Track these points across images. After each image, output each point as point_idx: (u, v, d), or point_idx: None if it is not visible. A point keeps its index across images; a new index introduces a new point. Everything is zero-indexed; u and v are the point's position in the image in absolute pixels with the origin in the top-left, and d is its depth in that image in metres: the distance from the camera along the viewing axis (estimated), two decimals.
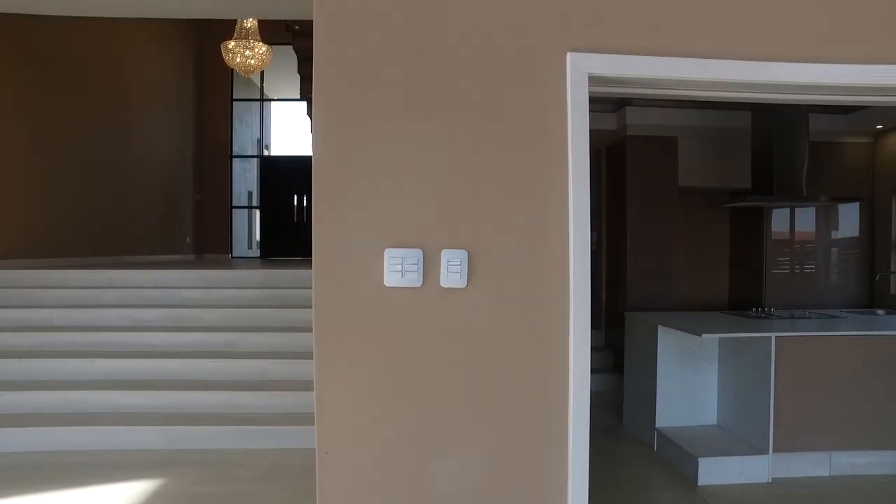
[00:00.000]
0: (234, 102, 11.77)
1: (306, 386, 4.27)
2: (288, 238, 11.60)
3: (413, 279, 1.82)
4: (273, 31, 9.01)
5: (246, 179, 12.94)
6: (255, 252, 13.57)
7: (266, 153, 13.41)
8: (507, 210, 1.86)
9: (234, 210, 11.82)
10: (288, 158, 12.09)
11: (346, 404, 1.83)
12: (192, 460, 3.65)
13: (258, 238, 14.32)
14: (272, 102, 13.14)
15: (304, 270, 5.83)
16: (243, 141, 12.45)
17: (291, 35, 5.94)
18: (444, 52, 1.84)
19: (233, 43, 8.69)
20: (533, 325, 1.86)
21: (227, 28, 11.56)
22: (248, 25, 8.73)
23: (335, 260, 1.83)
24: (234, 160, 11.77)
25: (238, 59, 8.72)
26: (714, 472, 3.38)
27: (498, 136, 1.86)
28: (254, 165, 13.55)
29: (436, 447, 1.84)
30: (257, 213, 13.80)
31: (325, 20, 1.82)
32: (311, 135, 7.70)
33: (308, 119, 7.10)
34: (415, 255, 1.82)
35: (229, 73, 11.62)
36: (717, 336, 3.61)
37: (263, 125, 12.03)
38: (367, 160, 1.83)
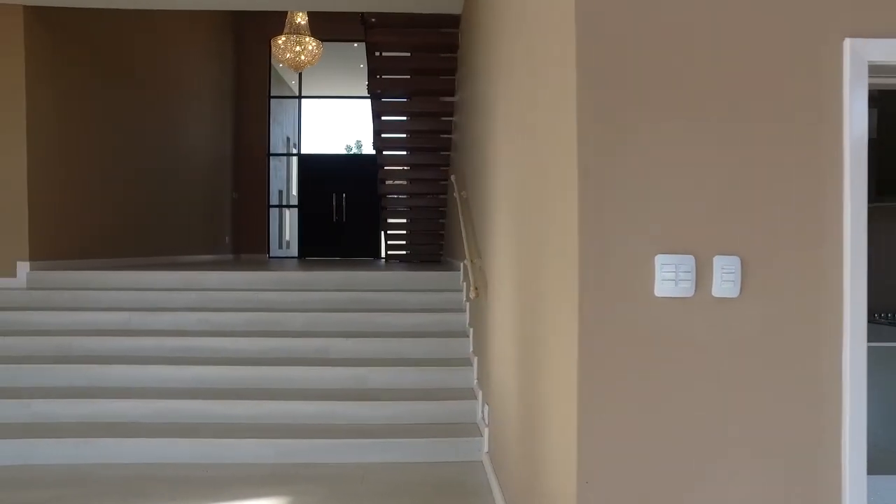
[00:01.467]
0: (269, 100, 11.58)
1: (407, 395, 4.07)
2: (327, 238, 11.41)
3: (686, 288, 1.61)
4: (322, 26, 8.83)
5: (277, 178, 12.75)
6: (288, 251, 13.36)
7: (295, 151, 13.21)
8: (778, 213, 1.65)
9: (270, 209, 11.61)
10: (327, 157, 11.89)
11: (611, 427, 1.61)
12: (308, 475, 3.43)
13: (287, 237, 14.17)
14: (301, 100, 12.91)
15: (380, 273, 5.62)
16: (273, 138, 12.24)
17: (364, 28, 5.74)
18: (708, 45, 1.64)
19: (283, 39, 8.51)
20: (806, 338, 1.65)
21: (266, 25, 11.44)
22: (299, 20, 8.54)
23: (601, 266, 1.61)
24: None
25: (288, 55, 8.57)
26: None
27: (766, 132, 1.66)
28: (283, 164, 13.36)
29: (705, 470, 1.63)
30: (287, 211, 13.64)
31: (586, 20, 1.62)
32: (372, 132, 7.50)
33: (374, 116, 6.87)
34: (688, 262, 1.62)
35: (267, 70, 11.45)
36: None
37: (301, 123, 11.80)
38: (635, 160, 1.62)
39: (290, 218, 14.20)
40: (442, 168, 7.67)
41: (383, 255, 11.54)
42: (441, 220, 8.81)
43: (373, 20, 5.59)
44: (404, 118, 6.92)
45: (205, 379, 4.21)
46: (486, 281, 3.65)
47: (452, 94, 6.55)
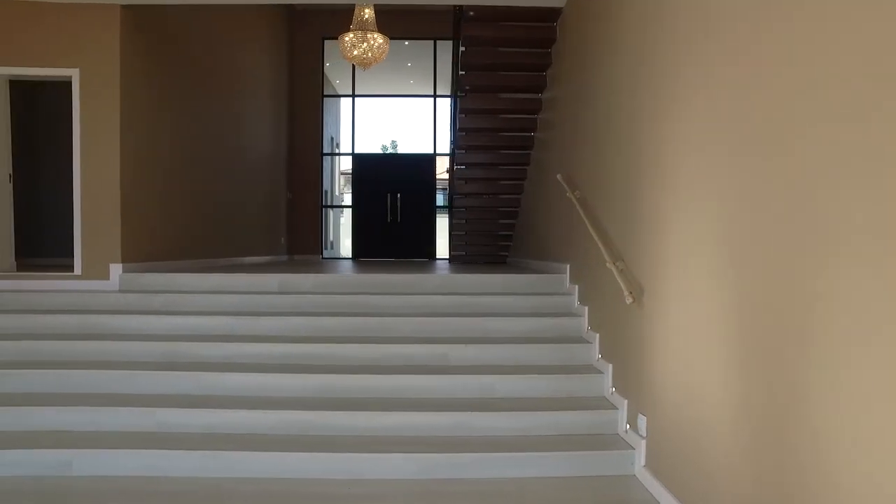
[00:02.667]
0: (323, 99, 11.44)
1: (539, 405, 3.86)
2: (381, 238, 11.24)
3: None
4: (392, 23, 8.64)
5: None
6: (332, 252, 13.17)
7: (342, 151, 13.04)
8: None
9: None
10: (381, 156, 11.72)
11: None
12: (459, 492, 3.23)
13: (331, 237, 14.00)
14: (341, 99, 12.70)
15: (478, 276, 5.42)
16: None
17: (458, 22, 5.56)
18: None
19: (350, 35, 8.32)
20: None
21: (318, 23, 11.31)
22: (366, 16, 8.35)
23: None
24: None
25: (356, 52, 8.36)
26: None
27: None
28: (327, 163, 13.20)
29: None
30: (331, 211, 13.48)
31: None
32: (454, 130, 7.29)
33: (459, 113, 6.67)
34: None
35: (320, 68, 11.31)
36: None
37: (354, 122, 11.62)
38: None
39: (334, 218, 14.04)
40: (515, 167, 7.45)
41: (439, 256, 11.37)
42: (502, 221, 8.59)
43: (471, 13, 5.38)
44: (487, 115, 6.71)
45: (324, 388, 4.02)
46: (641, 284, 3.43)
47: (539, 91, 6.33)
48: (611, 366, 3.98)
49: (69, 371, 4.13)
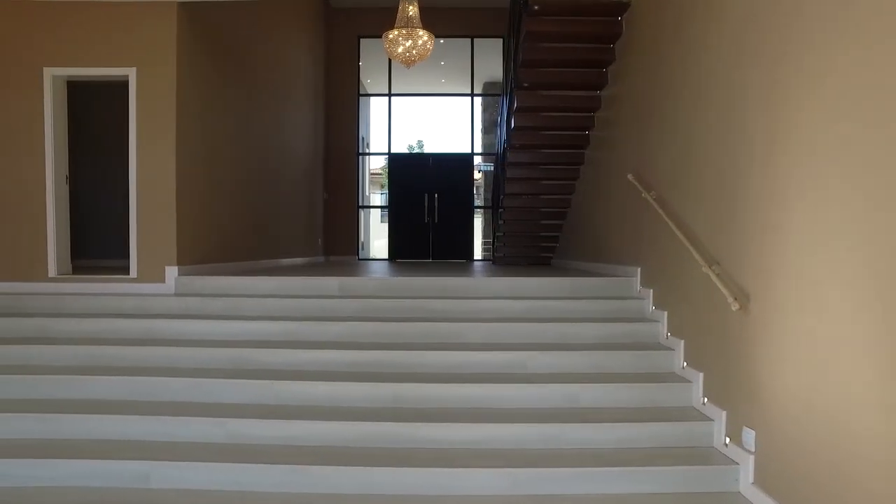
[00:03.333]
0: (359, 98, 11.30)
1: (628, 416, 3.68)
2: (418, 239, 11.09)
3: None
4: (427, 21, 8.48)
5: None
6: (363, 253, 13.01)
7: (365, 150, 12.89)
8: None
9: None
10: (418, 156, 11.57)
11: None
12: None
13: (362, 238, 13.87)
14: (371, 98, 12.53)
15: (541, 279, 5.24)
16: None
17: (517, 17, 5.39)
18: None
19: (395, 32, 8.17)
20: None
21: (354, 22, 11.17)
22: (411, 13, 8.20)
23: None
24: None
25: (400, 49, 8.20)
26: None
27: None
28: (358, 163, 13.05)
29: None
30: (361, 212, 13.34)
31: None
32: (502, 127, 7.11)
33: (509, 112, 6.50)
34: None
35: (356, 67, 11.18)
36: None
37: (391, 121, 11.47)
38: None
39: (364, 218, 13.90)
40: (565, 167, 7.26)
41: (475, 257, 11.20)
42: (545, 222, 8.40)
43: (535, 7, 5.20)
44: (542, 113, 6.52)
45: (399, 397, 3.86)
46: (745, 290, 3.23)
47: (597, 88, 6.14)
48: (701, 374, 3.78)
49: (135, 378, 4.00)
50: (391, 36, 8.24)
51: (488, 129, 15.12)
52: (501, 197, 8.02)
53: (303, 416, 3.64)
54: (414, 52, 8.26)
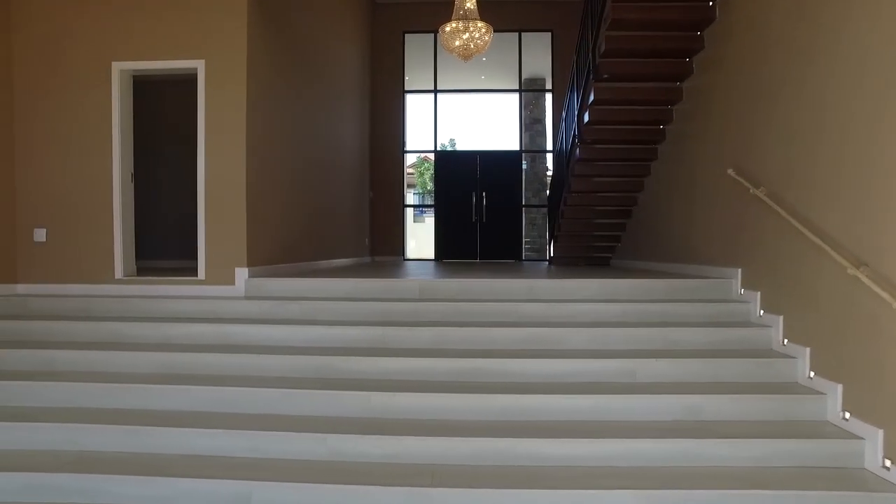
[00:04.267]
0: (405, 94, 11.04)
1: (761, 431, 3.36)
2: (465, 238, 10.80)
3: None
4: (482, 13, 8.20)
5: None
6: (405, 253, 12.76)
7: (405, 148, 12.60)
8: None
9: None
10: (465, 153, 11.27)
11: None
12: None
13: (407, 238, 13.61)
14: (406, 95, 12.23)
15: (636, 280, 4.93)
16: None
17: (598, 6, 5.10)
18: None
19: (452, 25, 7.90)
20: None
21: (399, 17, 10.91)
22: (468, 5, 7.92)
23: None
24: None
25: (457, 43, 7.94)
26: None
27: None
28: None
29: None
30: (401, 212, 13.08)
31: None
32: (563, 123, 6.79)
33: (579, 106, 6.19)
34: None
35: (401, 64, 10.93)
36: None
37: (437, 119, 11.19)
38: None
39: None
40: (633, 163, 6.94)
41: (524, 257, 10.90)
42: (605, 221, 8.08)
43: None
44: (618, 107, 6.20)
45: (505, 410, 3.56)
46: None
47: (679, 80, 5.81)
48: (839, 386, 3.45)
49: (218, 388, 3.75)
50: (448, 29, 7.97)
51: (529, 126, 14.82)
52: (564, 194, 7.71)
53: (406, 431, 3.37)
54: (472, 45, 8.00)
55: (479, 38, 7.93)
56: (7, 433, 3.47)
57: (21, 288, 5.12)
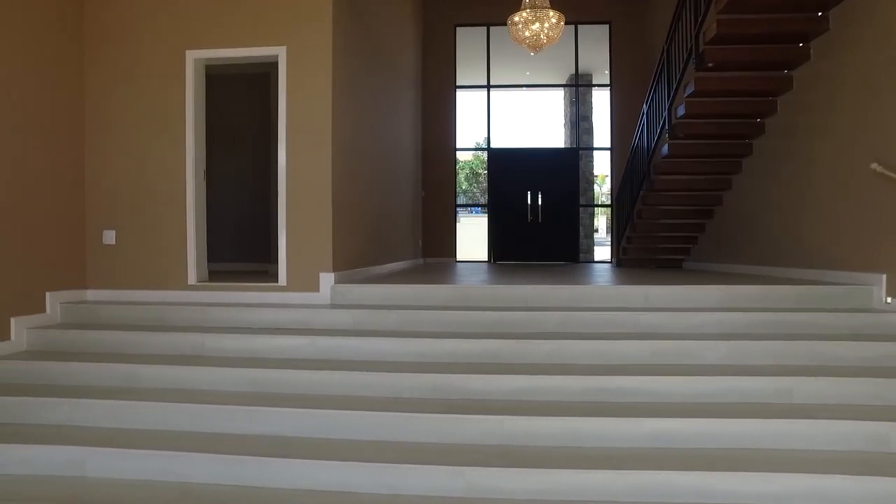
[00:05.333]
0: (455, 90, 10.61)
1: None
2: (520, 239, 10.35)
3: None
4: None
5: None
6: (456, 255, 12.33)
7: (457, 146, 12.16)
8: None
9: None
10: (520, 151, 10.82)
11: None
12: None
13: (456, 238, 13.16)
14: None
15: (756, 287, 4.47)
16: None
17: None
18: None
19: (522, 15, 7.46)
20: None
21: (450, 9, 10.48)
22: None
23: None
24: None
25: (527, 34, 7.50)
26: None
27: None
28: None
29: None
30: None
31: None
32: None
33: (669, 99, 5.73)
34: None
35: (453, 58, 10.51)
36: None
37: (490, 114, 10.75)
38: None
39: None
40: (726, 159, 6.46)
41: (582, 259, 10.44)
42: (682, 221, 7.60)
43: None
44: (718, 98, 5.73)
45: (657, 436, 3.12)
46: None
47: (790, 66, 5.33)
48: None
49: (322, 411, 3.33)
50: (517, 19, 7.54)
51: (575, 123, 14.32)
52: (643, 193, 7.25)
53: (548, 462, 2.94)
54: (542, 35, 7.57)
55: (550, 29, 7.50)
56: (96, 459, 3.09)
57: (90, 294, 4.77)
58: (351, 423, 3.28)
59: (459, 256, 10.64)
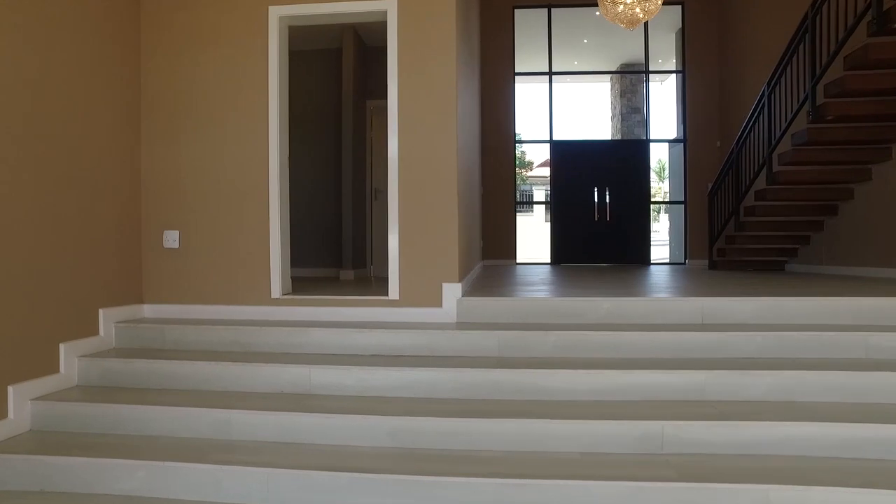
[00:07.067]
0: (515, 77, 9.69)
1: None
2: (585, 240, 9.42)
3: None
4: None
5: None
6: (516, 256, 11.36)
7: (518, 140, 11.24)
8: None
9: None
10: (585, 143, 9.89)
11: None
12: None
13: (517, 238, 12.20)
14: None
15: None
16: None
17: None
18: None
19: None
20: None
21: None
22: None
23: None
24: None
25: (620, 8, 6.64)
26: None
27: None
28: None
29: None
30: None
31: None
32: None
33: (820, 79, 4.81)
34: None
35: (511, 43, 9.59)
36: None
37: (552, 104, 9.81)
38: None
39: None
40: (868, 146, 5.54)
41: (654, 259, 9.52)
42: (792, 219, 6.66)
43: None
44: (882, 71, 4.79)
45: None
46: None
47: None
48: None
49: (515, 482, 2.39)
50: None
51: (626, 115, 13.41)
52: (764, 187, 6.32)
53: None
54: (637, 9, 6.68)
55: (651, 2, 6.63)
56: None
57: (147, 310, 3.84)
58: (567, 497, 2.34)
59: (519, 258, 9.72)
